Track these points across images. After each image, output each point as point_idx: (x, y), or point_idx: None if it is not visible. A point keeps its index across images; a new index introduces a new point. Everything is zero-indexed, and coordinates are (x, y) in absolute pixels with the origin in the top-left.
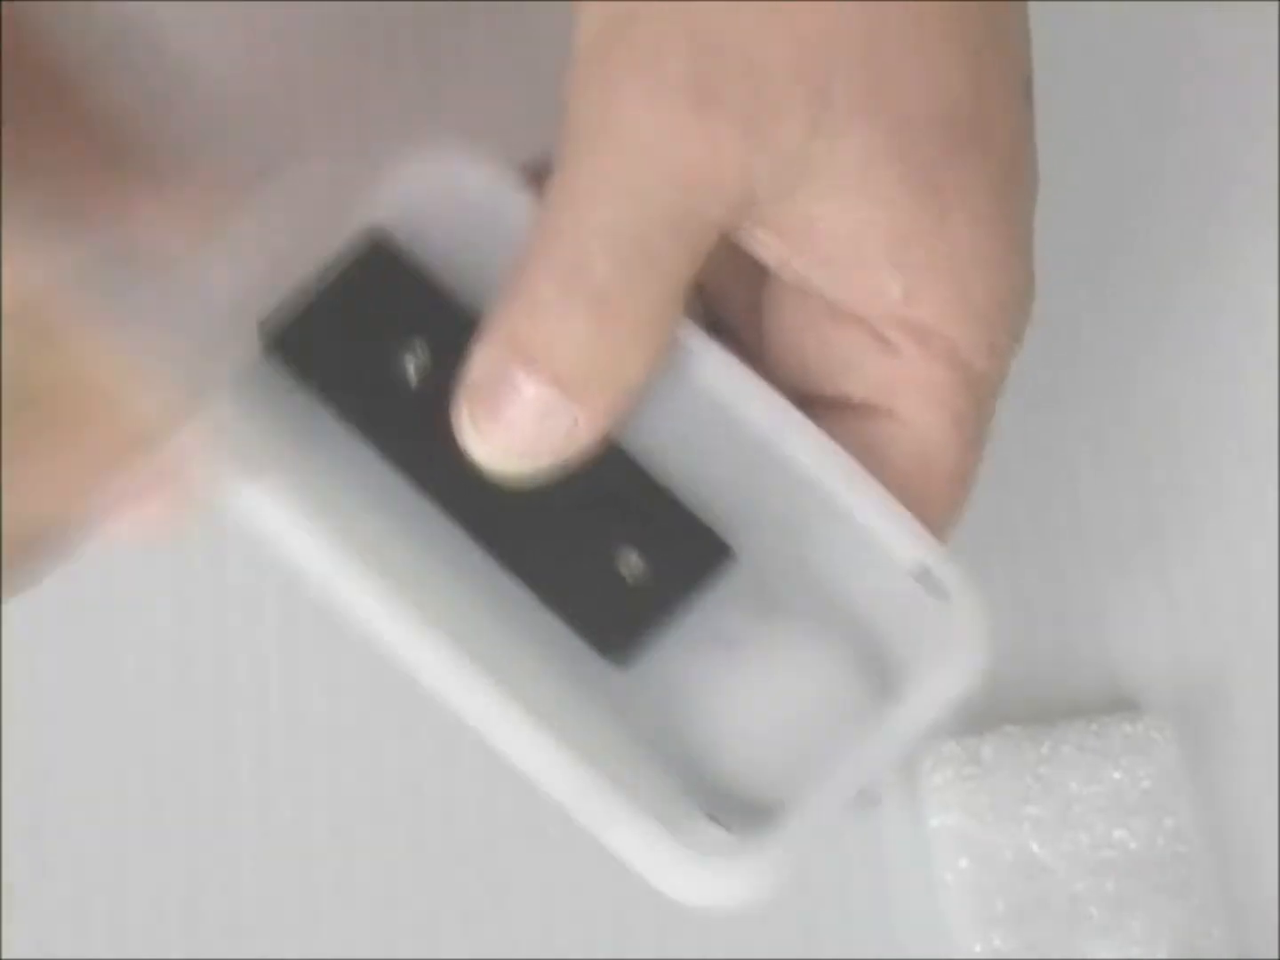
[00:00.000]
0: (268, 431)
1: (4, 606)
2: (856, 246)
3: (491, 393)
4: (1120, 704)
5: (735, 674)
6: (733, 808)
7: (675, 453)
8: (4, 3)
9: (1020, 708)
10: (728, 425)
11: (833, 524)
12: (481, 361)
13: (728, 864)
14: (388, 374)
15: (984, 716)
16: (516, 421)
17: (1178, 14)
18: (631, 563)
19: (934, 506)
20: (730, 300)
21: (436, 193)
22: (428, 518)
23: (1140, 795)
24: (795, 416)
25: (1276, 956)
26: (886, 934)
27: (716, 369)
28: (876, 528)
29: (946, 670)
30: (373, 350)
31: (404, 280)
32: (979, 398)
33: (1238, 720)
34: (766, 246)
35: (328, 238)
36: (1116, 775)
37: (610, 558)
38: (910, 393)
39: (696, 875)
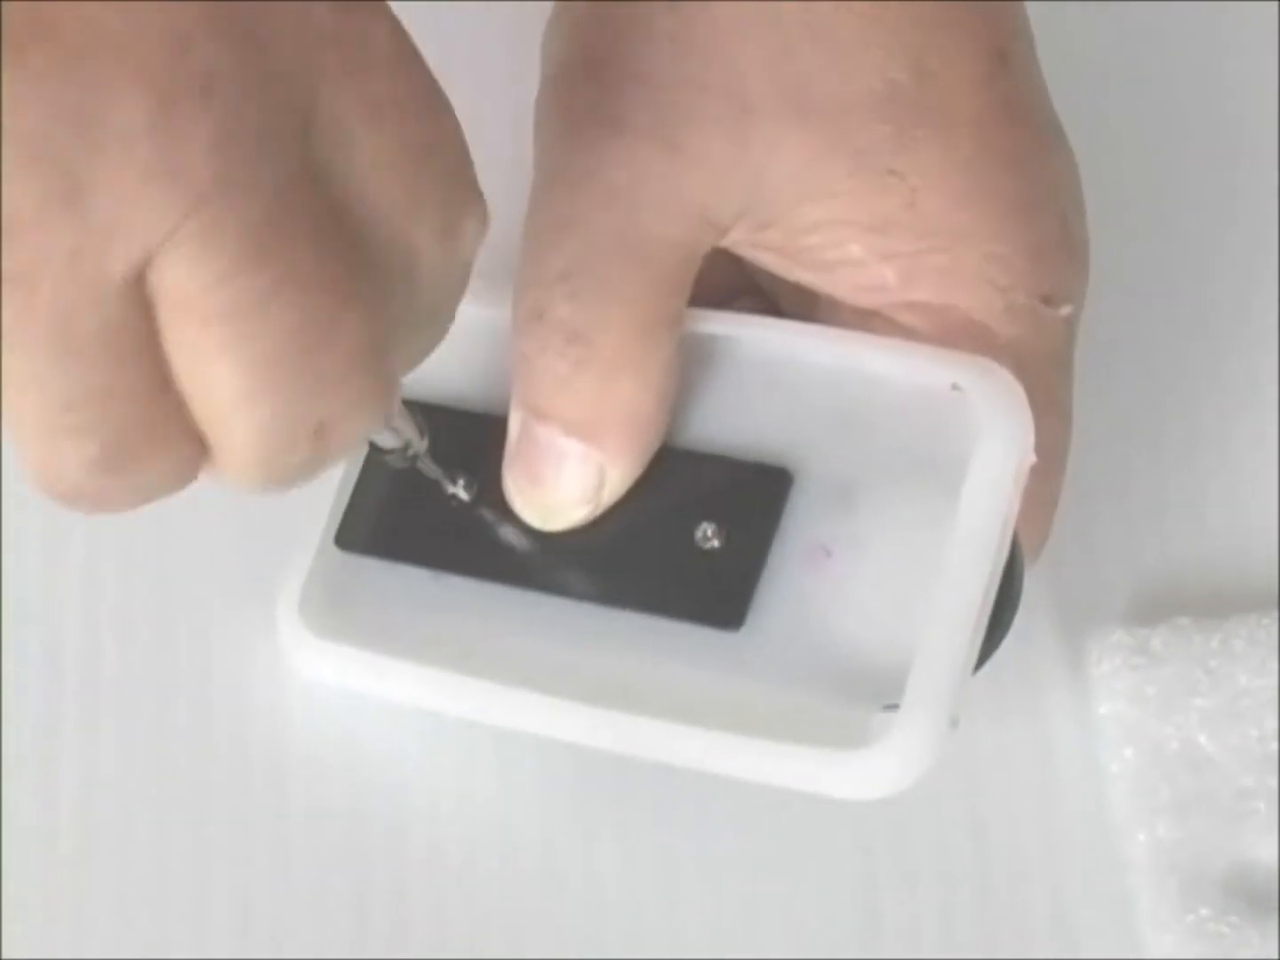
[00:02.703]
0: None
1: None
2: (839, 247)
3: (523, 454)
4: None
5: (839, 573)
6: (890, 687)
7: (703, 411)
8: None
9: (1193, 600)
10: (749, 364)
11: (871, 395)
12: (511, 428)
13: (918, 727)
14: (445, 505)
15: (1155, 607)
16: (550, 476)
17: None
18: (709, 534)
19: None
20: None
21: None
22: (515, 605)
23: None
24: (806, 328)
25: None
26: (1051, 821)
27: (728, 328)
28: (904, 370)
29: (989, 446)
30: (426, 497)
31: (428, 421)
32: (1020, 360)
33: None
34: (771, 264)
35: None
36: None
37: (688, 540)
38: None
39: (901, 759)
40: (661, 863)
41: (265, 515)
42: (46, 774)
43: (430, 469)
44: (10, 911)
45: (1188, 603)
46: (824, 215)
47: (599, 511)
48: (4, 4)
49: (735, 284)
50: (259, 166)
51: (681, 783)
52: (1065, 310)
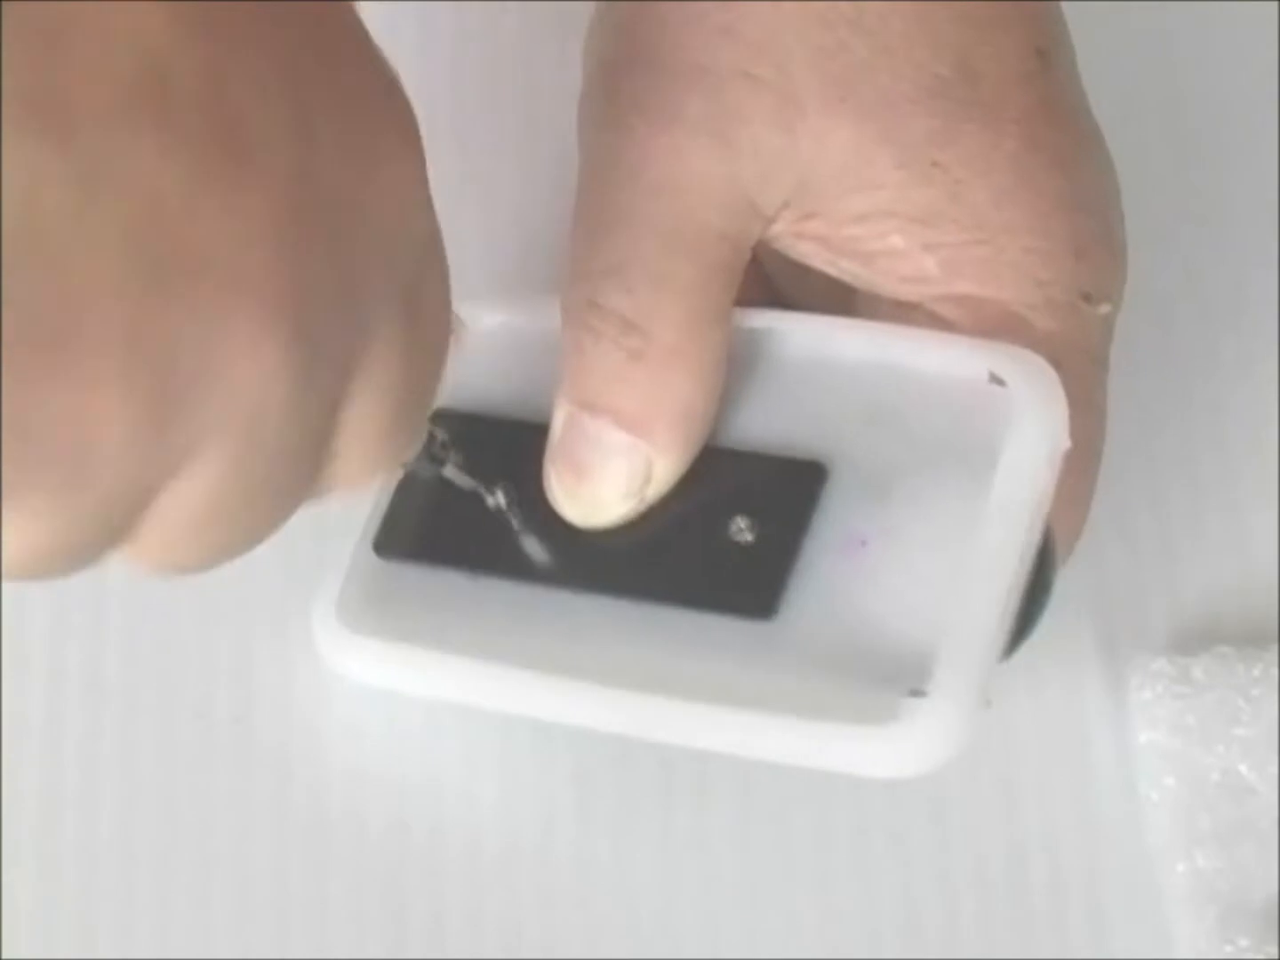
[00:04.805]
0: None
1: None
2: (882, 238)
3: (570, 448)
4: None
5: (874, 562)
6: (922, 672)
7: (739, 405)
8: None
9: (1234, 628)
10: (783, 358)
11: (908, 387)
12: (555, 421)
13: (948, 701)
14: (482, 509)
15: (1197, 636)
16: (596, 470)
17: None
18: (742, 527)
19: None
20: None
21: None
22: (550, 602)
23: None
24: (840, 321)
25: None
26: (1090, 849)
27: (762, 322)
28: (942, 362)
29: (1023, 432)
30: (462, 504)
31: (465, 431)
32: (1057, 354)
33: None
34: (812, 255)
35: None
36: None
37: (722, 534)
38: None
39: (934, 735)
40: (698, 859)
41: (307, 529)
42: (87, 783)
43: (466, 481)
44: (41, 921)
45: (1229, 631)
46: (869, 206)
47: (642, 508)
48: (146, 243)
49: (760, 297)
50: (307, 423)
51: (719, 777)
52: (1104, 309)
